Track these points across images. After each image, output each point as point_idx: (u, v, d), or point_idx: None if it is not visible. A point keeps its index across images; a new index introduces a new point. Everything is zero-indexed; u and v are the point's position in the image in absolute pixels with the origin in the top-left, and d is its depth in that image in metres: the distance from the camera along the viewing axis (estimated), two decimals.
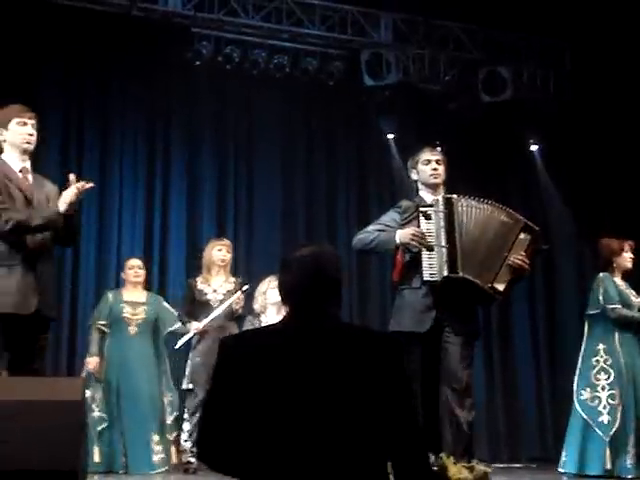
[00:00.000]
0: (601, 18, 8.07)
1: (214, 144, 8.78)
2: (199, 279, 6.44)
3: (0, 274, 4.14)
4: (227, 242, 6.70)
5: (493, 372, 9.19)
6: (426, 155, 4.83)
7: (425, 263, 4.53)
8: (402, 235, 4.58)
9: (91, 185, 4.22)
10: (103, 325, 6.52)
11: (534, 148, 9.44)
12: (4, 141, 4.31)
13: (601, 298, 6.21)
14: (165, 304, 6.77)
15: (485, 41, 8.92)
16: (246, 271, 8.28)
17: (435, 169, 4.78)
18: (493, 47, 8.96)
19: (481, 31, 8.90)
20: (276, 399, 2.25)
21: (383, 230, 4.72)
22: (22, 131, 4.27)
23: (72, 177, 4.20)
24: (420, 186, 4.87)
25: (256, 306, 5.99)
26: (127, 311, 6.51)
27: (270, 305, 5.77)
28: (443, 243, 4.53)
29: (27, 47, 7.95)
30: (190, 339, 6.27)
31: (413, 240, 4.52)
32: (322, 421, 2.23)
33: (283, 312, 5.57)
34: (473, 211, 4.62)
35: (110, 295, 6.70)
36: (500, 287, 4.59)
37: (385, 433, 2.27)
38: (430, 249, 4.51)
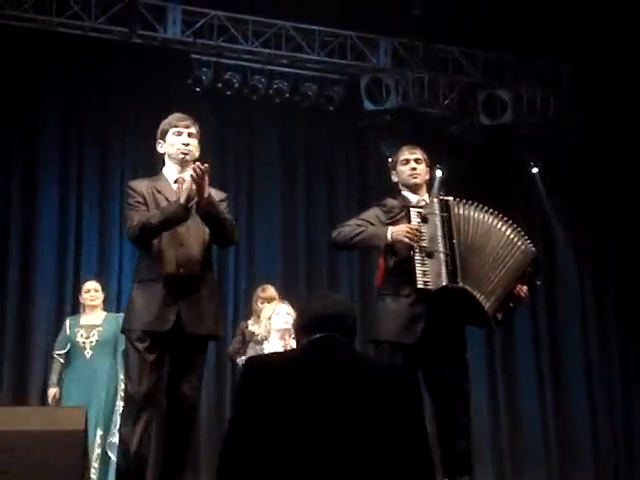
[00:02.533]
0: (600, 40, 8.10)
1: (215, 169, 8.69)
2: (250, 322, 6.55)
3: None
4: (270, 294, 6.70)
5: (497, 391, 9.15)
6: (404, 154, 4.52)
7: (419, 269, 4.13)
8: (395, 231, 4.20)
9: (206, 166, 3.84)
10: (59, 355, 6.48)
11: (535, 171, 9.44)
12: (164, 153, 4.09)
13: None
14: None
15: (484, 64, 8.96)
16: (247, 300, 8.29)
17: (414, 168, 4.45)
18: (492, 70, 8.99)
19: (480, 54, 8.93)
20: (298, 428, 2.27)
21: (367, 226, 4.34)
22: (176, 141, 4.06)
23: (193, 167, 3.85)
24: (401, 187, 4.53)
25: (260, 330, 5.98)
26: (81, 335, 6.45)
27: (274, 331, 5.75)
28: (441, 249, 4.16)
29: (28, 74, 7.99)
30: None
31: (407, 237, 4.16)
32: (340, 455, 2.23)
33: (286, 339, 5.62)
34: (472, 219, 4.28)
35: (68, 322, 6.65)
36: (500, 317, 4.28)
37: (401, 470, 2.28)
38: (430, 255, 4.13)
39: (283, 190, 9.11)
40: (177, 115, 4.15)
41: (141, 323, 3.86)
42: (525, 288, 4.34)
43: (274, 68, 8.48)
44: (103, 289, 6.78)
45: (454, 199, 4.32)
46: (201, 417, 7.73)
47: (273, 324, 5.74)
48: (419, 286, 4.13)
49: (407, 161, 4.49)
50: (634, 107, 8.53)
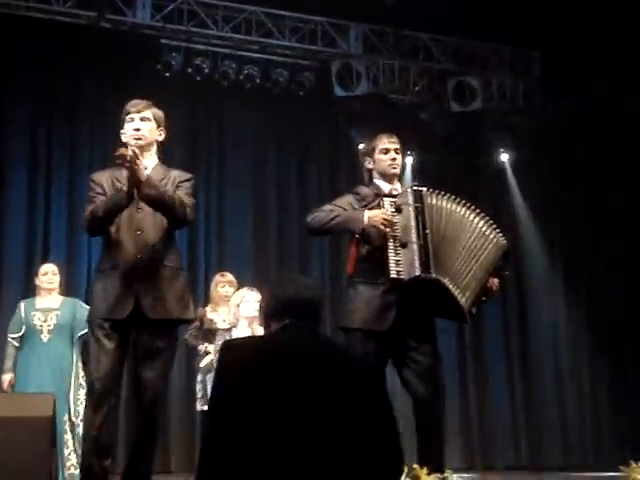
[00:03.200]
0: (569, 28, 8.14)
1: (185, 155, 8.74)
2: (208, 309, 6.48)
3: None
4: (230, 278, 6.65)
5: (466, 379, 9.22)
6: (384, 143, 4.41)
7: (392, 258, 4.12)
8: (372, 216, 4.16)
9: (134, 149, 3.79)
10: (13, 339, 6.38)
11: (504, 157, 9.49)
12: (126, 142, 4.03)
13: None
14: (81, 307, 6.53)
15: (454, 51, 8.99)
16: None
17: (394, 159, 4.38)
18: (462, 57, 9.02)
19: (450, 41, 8.96)
20: (270, 418, 2.27)
21: (341, 211, 4.29)
22: (128, 127, 4.00)
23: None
24: (375, 175, 4.45)
25: (229, 316, 5.94)
26: (38, 318, 6.35)
27: (242, 319, 5.74)
28: (414, 239, 4.13)
29: None
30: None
31: (383, 224, 4.12)
32: (311, 444, 2.26)
33: (254, 327, 5.61)
34: (445, 209, 4.26)
35: (22, 305, 6.53)
36: (474, 311, 4.29)
37: (369, 457, 2.30)
38: (403, 245, 4.11)
39: (254, 175, 9.10)
40: (132, 101, 4.13)
41: (100, 311, 3.87)
42: (497, 281, 4.35)
43: (244, 54, 8.45)
44: (68, 272, 6.68)
45: (427, 189, 4.29)
46: (172, 403, 7.72)
47: (241, 311, 5.72)
48: (392, 275, 4.12)
49: (387, 150, 4.42)
50: (603, 93, 8.58)
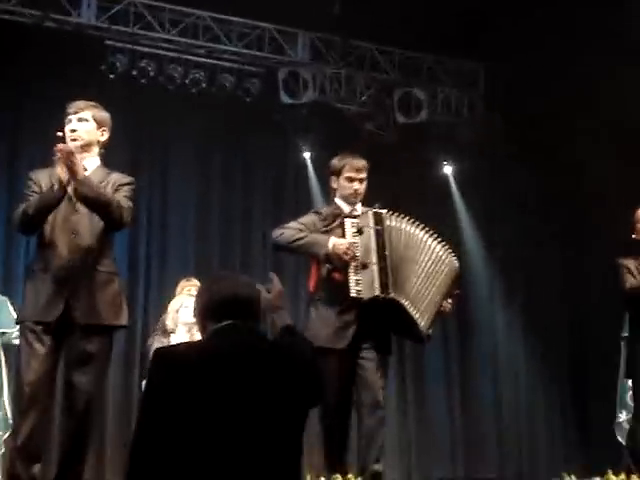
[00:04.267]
0: (514, 41, 8.23)
1: (128, 158, 8.63)
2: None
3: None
4: (195, 282, 6.56)
5: (405, 387, 9.24)
6: (350, 171, 4.59)
7: (352, 278, 4.33)
8: (336, 245, 4.35)
9: (68, 146, 3.79)
10: None
11: (448, 170, 9.56)
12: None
13: None
14: (5, 307, 6.37)
15: (401, 62, 9.03)
16: (159, 289, 8.21)
17: (356, 189, 4.58)
18: (409, 68, 9.07)
19: (397, 52, 9.00)
20: (207, 420, 2.24)
21: (306, 232, 4.48)
22: (67, 129, 3.98)
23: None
24: (338, 194, 4.66)
25: (168, 322, 5.87)
26: None
27: (181, 324, 5.68)
28: (374, 260, 4.35)
29: None
30: None
31: (346, 254, 4.32)
32: (248, 448, 2.22)
33: (193, 333, 5.56)
34: (404, 232, 4.49)
35: None
36: (430, 332, 4.53)
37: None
38: (364, 266, 4.32)
39: (198, 180, 9.03)
40: (72, 103, 4.07)
41: (29, 314, 3.82)
42: (450, 301, 4.59)
43: (191, 58, 8.38)
44: (6, 271, 6.54)
45: (387, 212, 4.50)
46: (108, 410, 7.61)
47: (180, 317, 5.68)
48: (352, 294, 4.34)
49: (351, 179, 4.59)
50: (547, 107, 8.70)
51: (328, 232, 4.48)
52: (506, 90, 8.95)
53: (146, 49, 8.22)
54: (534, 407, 9.64)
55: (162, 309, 6.71)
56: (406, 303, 4.39)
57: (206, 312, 2.50)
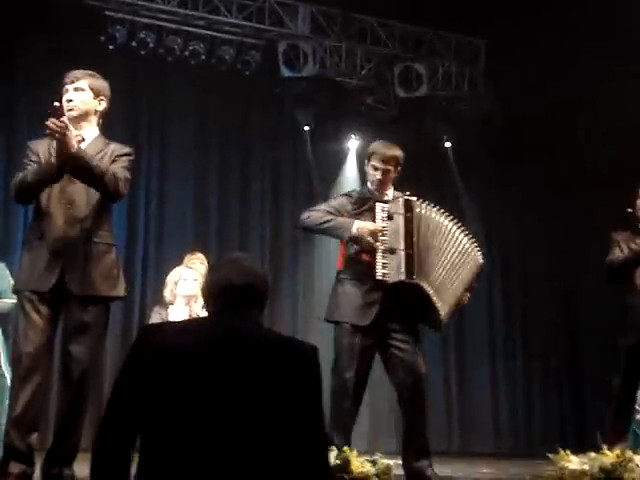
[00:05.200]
0: (516, 16, 8.19)
1: (126, 130, 8.60)
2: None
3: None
4: (200, 256, 6.53)
5: None
6: (376, 160, 4.58)
7: (379, 261, 4.40)
8: (360, 228, 4.42)
9: (63, 120, 3.70)
10: None
11: (447, 145, 9.54)
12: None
13: None
14: (3, 274, 6.17)
15: (402, 36, 8.99)
16: (157, 262, 8.22)
17: (379, 179, 4.57)
18: (409, 43, 9.03)
19: (398, 26, 8.95)
20: (190, 401, 2.21)
21: (335, 214, 4.53)
22: (63, 99, 3.93)
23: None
24: (368, 179, 4.71)
25: (166, 294, 5.87)
26: None
27: (180, 297, 5.68)
28: (402, 246, 4.42)
29: None
30: None
31: (370, 237, 4.38)
32: (234, 427, 2.20)
33: (191, 305, 5.57)
34: (433, 220, 4.54)
35: None
36: (448, 322, 4.62)
37: (294, 438, 2.27)
38: (392, 251, 4.39)
39: (196, 152, 9.00)
40: (69, 72, 4.04)
41: (24, 282, 3.82)
42: (468, 294, 4.65)
43: (190, 29, 8.34)
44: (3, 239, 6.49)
45: (417, 199, 4.54)
46: (105, 381, 7.63)
47: (179, 289, 5.69)
48: (378, 277, 4.39)
49: (376, 168, 4.59)
50: (548, 82, 8.67)
51: (358, 215, 4.52)
52: (507, 67, 8.89)
53: (145, 20, 8.18)
54: (530, 383, 9.69)
55: (160, 280, 6.74)
56: (431, 292, 4.45)
57: (206, 298, 2.51)
